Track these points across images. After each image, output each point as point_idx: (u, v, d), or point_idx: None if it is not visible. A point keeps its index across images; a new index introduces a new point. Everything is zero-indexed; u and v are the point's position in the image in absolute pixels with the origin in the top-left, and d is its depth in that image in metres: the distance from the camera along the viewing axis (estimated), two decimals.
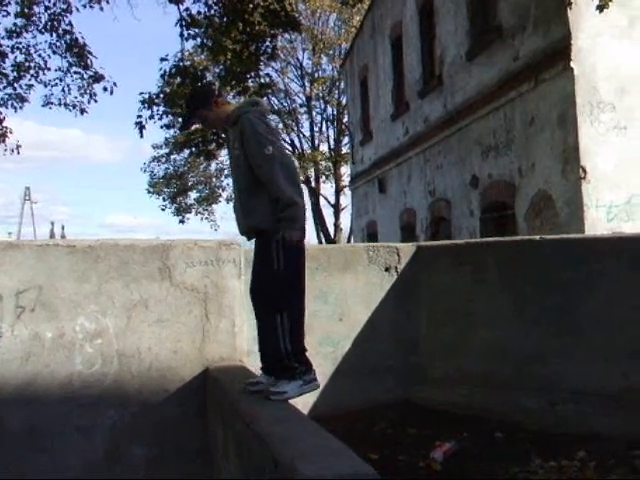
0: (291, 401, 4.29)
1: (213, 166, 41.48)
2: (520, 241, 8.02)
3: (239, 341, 5.65)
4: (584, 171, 10.13)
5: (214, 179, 43.22)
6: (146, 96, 17.03)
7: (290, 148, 40.53)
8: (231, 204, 39.68)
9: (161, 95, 17.56)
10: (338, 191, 39.08)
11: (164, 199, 42.64)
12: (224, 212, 44.27)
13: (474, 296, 7.49)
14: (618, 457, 5.91)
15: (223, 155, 37.93)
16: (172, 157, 41.06)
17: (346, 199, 35.68)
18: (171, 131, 27.89)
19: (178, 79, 16.89)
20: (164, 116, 17.80)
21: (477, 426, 6.86)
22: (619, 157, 10.30)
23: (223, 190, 42.94)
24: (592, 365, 6.73)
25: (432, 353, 7.74)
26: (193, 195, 43.29)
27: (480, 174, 13.74)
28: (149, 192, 42.67)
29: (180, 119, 4.73)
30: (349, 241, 32.66)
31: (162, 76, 16.94)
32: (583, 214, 10.05)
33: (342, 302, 7.46)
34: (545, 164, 11.13)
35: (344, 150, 37.54)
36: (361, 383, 7.52)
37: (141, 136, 16.82)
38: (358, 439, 6.49)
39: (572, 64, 10.36)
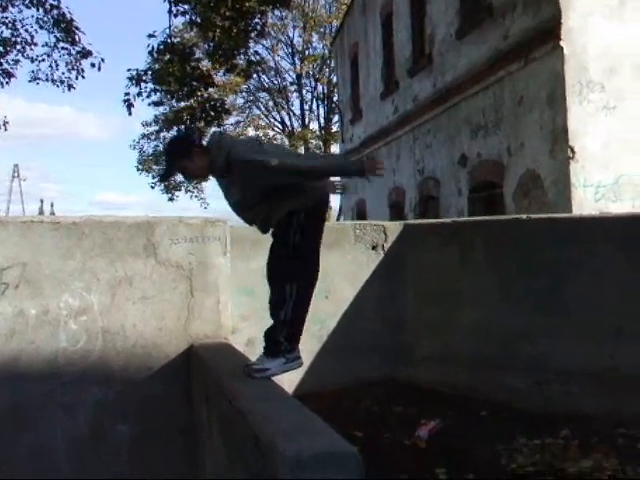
0: (277, 379, 4.28)
1: None
2: (507, 220, 8.02)
3: (224, 318, 5.62)
4: (572, 151, 10.11)
5: None
6: (134, 73, 16.91)
7: (280, 126, 40.47)
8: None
9: (149, 72, 17.43)
10: None
11: (153, 177, 42.52)
12: (213, 190, 44.23)
13: (461, 275, 7.49)
14: (601, 436, 5.95)
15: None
16: (162, 135, 40.90)
17: (336, 177, 35.61)
18: (160, 108, 27.78)
19: (167, 56, 16.78)
20: (153, 93, 17.71)
21: (463, 405, 6.88)
22: (607, 137, 10.28)
23: None
24: (578, 345, 6.74)
25: (418, 332, 7.75)
26: None
27: (469, 153, 13.72)
28: (138, 169, 42.58)
29: (161, 170, 4.65)
30: (339, 220, 32.64)
31: (150, 53, 16.81)
32: (571, 194, 10.04)
33: (329, 280, 7.43)
34: (534, 144, 11.12)
35: (334, 128, 37.47)
36: (347, 361, 7.53)
37: (129, 113, 16.75)
38: (343, 417, 6.50)
39: (562, 43, 10.31)
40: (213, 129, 16.33)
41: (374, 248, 7.73)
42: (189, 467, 5.30)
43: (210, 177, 4.62)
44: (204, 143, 4.43)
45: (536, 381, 6.85)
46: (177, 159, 4.44)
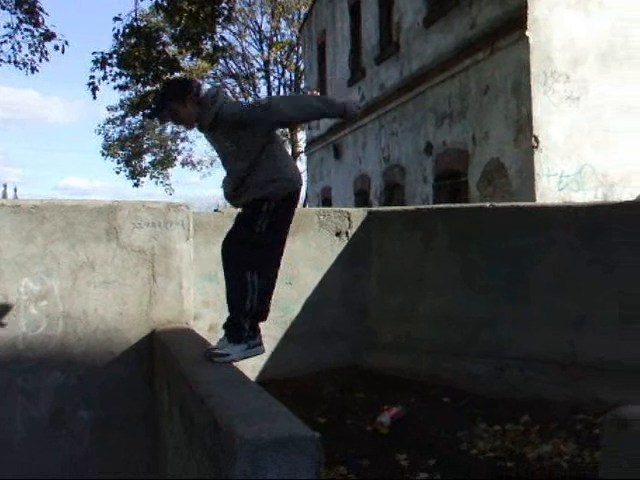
0: (240, 364, 4.27)
1: (168, 129, 41.09)
2: (471, 208, 8.07)
3: (186, 304, 5.59)
4: (536, 140, 10.19)
5: (169, 142, 42.84)
6: (99, 56, 16.75)
7: None
8: (186, 168, 39.08)
9: (115, 55, 17.26)
10: (295, 157, 38.94)
11: (119, 162, 42.16)
12: (179, 176, 44.00)
13: (424, 262, 7.53)
14: (561, 421, 6.02)
15: None
16: (127, 119, 40.56)
17: (302, 165, 35.61)
18: (126, 93, 27.51)
19: (132, 40, 16.63)
20: (118, 77, 17.54)
21: (424, 391, 6.93)
22: (571, 127, 10.38)
23: (178, 154, 42.65)
24: (539, 332, 6.81)
25: (381, 318, 7.78)
26: (148, 158, 42.89)
27: (434, 141, 13.76)
28: (103, 154, 42.15)
29: (151, 106, 4.59)
30: (305, 207, 32.63)
31: (115, 36, 16.67)
32: (534, 183, 10.12)
33: (292, 266, 7.43)
34: (498, 133, 11.18)
35: None
36: (310, 347, 7.54)
37: (94, 97, 16.61)
38: (306, 403, 6.53)
39: (528, 33, 10.37)
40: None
41: (338, 235, 7.73)
42: (151, 452, 5.28)
43: (195, 128, 4.55)
44: (202, 93, 4.38)
45: (497, 367, 6.91)
46: (171, 100, 4.35)
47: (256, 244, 4.24)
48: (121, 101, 38.40)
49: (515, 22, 10.59)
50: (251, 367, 7.16)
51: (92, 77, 16.53)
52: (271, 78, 39.44)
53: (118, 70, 17.31)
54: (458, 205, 8.78)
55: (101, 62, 16.67)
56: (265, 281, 4.30)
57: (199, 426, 3.04)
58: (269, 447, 2.24)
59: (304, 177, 29.21)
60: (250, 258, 4.24)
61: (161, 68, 17.12)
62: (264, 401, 2.83)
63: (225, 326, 4.36)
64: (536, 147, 10.17)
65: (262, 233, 4.23)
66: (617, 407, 2.26)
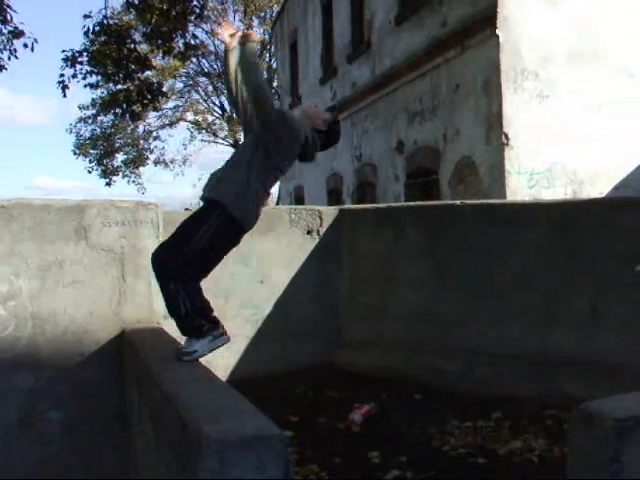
0: (211, 365, 4.25)
1: (141, 128, 40.90)
2: (441, 206, 8.10)
3: (156, 303, 5.54)
4: (507, 138, 10.24)
5: (142, 141, 42.59)
6: (69, 54, 16.62)
7: (219, 111, 40.16)
8: (159, 167, 38.78)
9: (85, 53, 17.12)
10: None
11: (90, 161, 41.85)
12: (152, 175, 43.77)
13: (395, 260, 7.55)
14: (531, 417, 6.06)
15: (150, 117, 37.36)
16: (99, 118, 40.25)
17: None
18: (98, 91, 27.28)
19: (102, 37, 16.52)
20: (89, 75, 17.42)
21: (396, 388, 6.94)
22: (541, 125, 10.44)
23: (151, 152, 42.41)
24: (509, 328, 6.86)
25: (353, 316, 7.79)
26: (120, 157, 42.59)
27: (406, 139, 13.80)
28: (75, 154, 41.79)
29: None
30: (277, 205, 32.58)
31: (86, 34, 16.54)
32: (505, 180, 10.18)
33: (263, 265, 7.43)
34: (469, 130, 11.23)
35: None
36: (282, 346, 7.53)
37: (64, 95, 16.49)
38: (278, 402, 6.52)
39: (498, 32, 10.42)
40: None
41: (309, 233, 7.73)
42: (121, 452, 5.25)
43: None
44: None
45: (468, 364, 6.94)
46: None
47: (186, 256, 4.15)
48: (93, 100, 38.08)
49: (485, 20, 10.64)
50: (223, 367, 7.15)
51: (62, 75, 16.41)
52: None
53: (89, 68, 17.19)
54: (429, 203, 8.80)
55: (71, 60, 16.54)
56: (189, 288, 4.24)
57: (167, 425, 3.03)
58: (236, 445, 2.24)
59: None
60: (174, 269, 4.17)
61: (132, 66, 17.03)
62: (232, 399, 2.82)
63: (181, 329, 4.34)
64: (506, 145, 10.22)
65: (199, 242, 4.14)
66: (584, 402, 2.27)
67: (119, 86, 18.51)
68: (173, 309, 4.25)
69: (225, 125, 40.30)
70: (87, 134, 41.62)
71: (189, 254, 4.14)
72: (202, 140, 42.86)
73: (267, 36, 36.19)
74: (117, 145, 42.40)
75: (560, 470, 2.27)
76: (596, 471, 2.12)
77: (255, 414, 2.54)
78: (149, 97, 17.63)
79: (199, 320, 4.23)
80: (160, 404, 3.20)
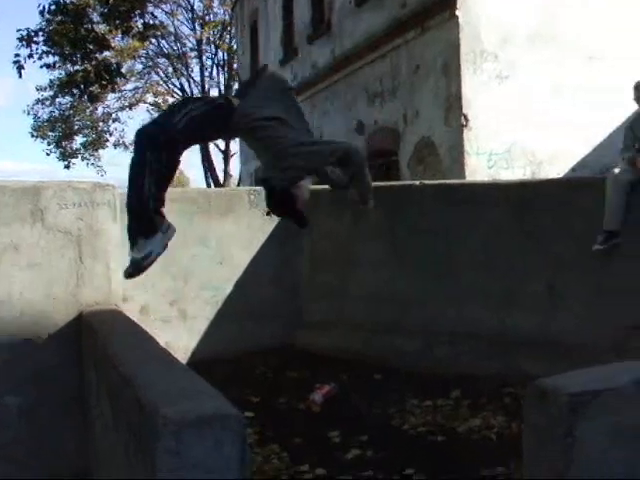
0: (172, 346, 4.22)
1: (100, 110, 40.39)
2: (400, 186, 8.11)
3: (114, 285, 5.49)
4: (466, 119, 10.29)
5: (101, 123, 42.09)
6: (24, 33, 16.36)
7: (180, 93, 39.77)
8: (118, 149, 38.31)
9: (41, 33, 16.88)
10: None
11: (49, 143, 41.30)
12: (111, 157, 43.37)
13: (354, 240, 7.56)
14: (490, 395, 6.12)
15: (109, 99, 36.95)
16: (57, 100, 39.68)
17: (236, 145, 35.33)
18: (56, 72, 26.88)
19: (59, 17, 16.28)
20: (45, 55, 17.18)
21: (356, 369, 6.96)
22: (500, 106, 10.49)
23: (110, 135, 41.93)
24: (469, 308, 6.91)
25: (313, 297, 7.79)
26: (79, 140, 42.06)
27: (366, 120, 13.80)
28: (33, 136, 41.19)
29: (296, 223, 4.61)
30: (238, 186, 32.44)
31: (41, 13, 16.29)
32: (464, 161, 10.24)
33: (223, 246, 7.40)
34: (429, 111, 11.26)
35: None
36: (242, 327, 7.51)
37: (20, 76, 16.28)
38: (239, 383, 6.52)
39: (457, 13, 10.45)
40: None
41: (269, 214, 7.65)
42: (81, 436, 5.20)
43: None
44: None
45: (427, 344, 6.99)
46: None
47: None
48: (50, 81, 37.51)
49: (445, 2, 10.68)
50: (183, 348, 7.12)
51: (17, 55, 16.17)
52: (204, 58, 39.00)
53: (45, 48, 16.95)
54: (388, 183, 8.79)
55: (27, 40, 16.31)
56: (162, 164, 4.20)
57: (125, 406, 3.00)
58: (193, 425, 2.22)
59: (237, 157, 29.08)
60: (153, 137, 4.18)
61: (90, 47, 16.82)
62: (190, 380, 2.80)
63: (133, 230, 4.35)
64: (465, 126, 10.27)
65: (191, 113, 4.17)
66: (539, 379, 2.29)
67: (77, 67, 18.29)
68: (135, 195, 4.27)
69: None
70: (45, 116, 41.03)
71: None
72: None
73: (227, 17, 35.93)
74: (76, 127, 41.86)
75: (518, 446, 2.30)
76: (550, 445, 2.14)
77: (213, 395, 2.52)
78: (107, 78, 17.43)
79: (152, 206, 4.21)
80: (118, 386, 3.17)
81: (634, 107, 6.75)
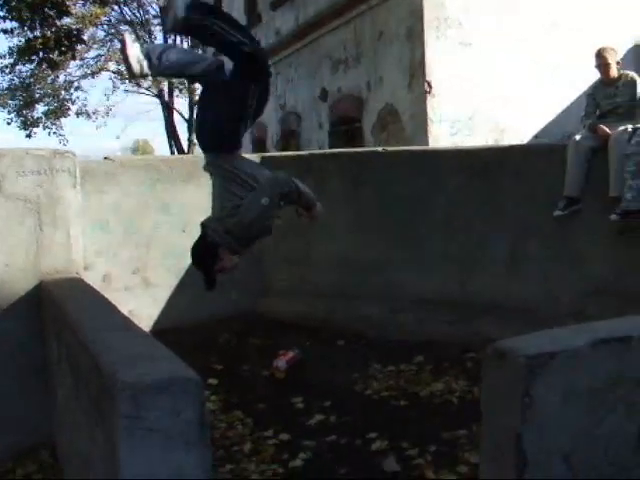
0: (135, 315, 4.18)
1: (61, 78, 39.70)
2: (363, 153, 8.09)
3: (75, 253, 5.44)
4: (429, 86, 10.27)
5: (63, 92, 41.38)
6: None
7: None
8: (81, 118, 37.73)
9: None
10: (192, 105, 38.20)
11: (9, 112, 40.55)
12: (74, 126, 42.81)
13: None
14: (452, 360, 6.19)
15: (71, 66, 36.36)
16: (17, 68, 38.92)
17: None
18: (15, 39, 26.36)
19: None
20: (2, 21, 16.86)
21: (319, 335, 7.00)
22: (464, 73, 10.47)
23: (72, 103, 41.25)
24: (431, 274, 6.95)
25: (276, 264, 7.79)
26: (41, 108, 41.32)
27: (330, 88, 13.73)
28: None
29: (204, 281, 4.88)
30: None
31: None
32: (427, 128, 10.22)
33: (185, 213, 7.35)
34: (392, 78, 11.22)
35: None
36: (205, 295, 7.45)
37: None
38: (202, 351, 6.53)
39: None
40: None
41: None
42: (44, 407, 5.17)
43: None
44: None
45: (391, 310, 7.03)
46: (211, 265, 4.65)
47: None
48: (10, 48, 36.83)
49: None
50: (147, 317, 7.10)
51: None
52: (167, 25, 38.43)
53: (2, 14, 16.63)
54: (351, 150, 8.78)
55: None
56: None
57: (84, 373, 2.99)
58: (151, 389, 2.22)
59: None
60: None
61: (49, 12, 16.52)
62: (148, 346, 2.79)
63: None
64: (429, 93, 10.25)
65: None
66: (497, 341, 2.31)
67: (36, 33, 17.97)
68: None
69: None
70: (5, 84, 40.16)
71: None
72: (125, 90, 41.86)
73: None
74: (37, 96, 41.06)
75: (479, 410, 2.32)
76: (508, 406, 2.17)
77: (171, 359, 2.52)
78: (67, 45, 17.16)
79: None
80: (77, 353, 3.15)
81: (595, 75, 6.78)
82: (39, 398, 5.21)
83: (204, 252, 4.62)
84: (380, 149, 7.68)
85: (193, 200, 7.39)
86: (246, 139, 19.05)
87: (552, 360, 2.14)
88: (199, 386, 2.27)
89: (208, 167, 4.83)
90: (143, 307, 7.10)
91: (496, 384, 2.25)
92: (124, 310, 4.06)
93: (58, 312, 4.27)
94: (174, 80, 37.70)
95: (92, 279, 5.74)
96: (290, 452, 4.79)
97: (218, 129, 4.66)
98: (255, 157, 8.00)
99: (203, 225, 4.76)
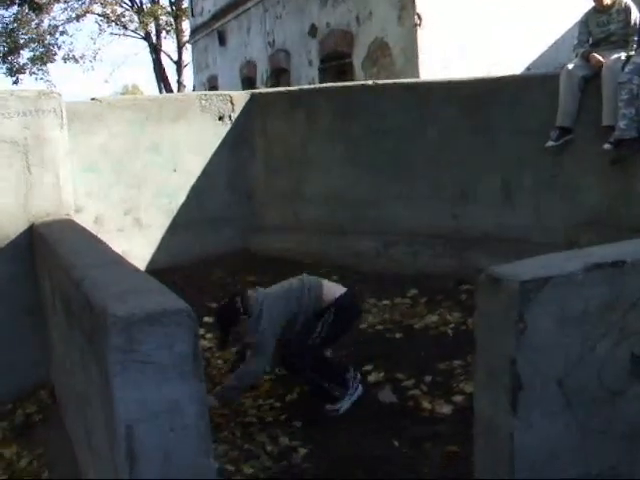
0: (129, 254, 4.18)
1: (46, 23, 39.08)
2: (353, 86, 7.98)
3: (65, 195, 5.40)
4: (419, 18, 10.11)
5: (48, 37, 40.79)
6: None
7: (129, 2, 38.61)
8: (69, 63, 37.23)
9: None
10: (180, 47, 37.64)
11: None
12: (62, 72, 42.23)
13: (309, 143, 7.50)
14: (446, 293, 6.21)
15: (55, 10, 35.79)
16: None
17: (189, 55, 34.49)
18: None
19: None
20: None
21: (313, 270, 6.96)
22: (454, 6, 10.30)
23: (58, 48, 40.70)
24: (424, 208, 6.93)
25: (268, 201, 7.77)
26: (26, 54, 40.78)
27: (319, 23, 13.52)
28: None
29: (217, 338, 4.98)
30: None
31: None
32: (418, 61, 10.09)
33: (175, 153, 7.30)
34: (382, 12, 11.04)
35: (185, 4, 35.99)
36: (198, 234, 7.48)
37: None
38: (196, 289, 6.53)
39: None
40: None
41: (221, 118, 7.58)
42: (39, 347, 5.18)
43: None
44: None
45: (384, 244, 7.02)
46: (230, 326, 4.64)
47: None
48: None
49: None
50: (140, 257, 7.08)
51: None
52: None
53: None
54: (341, 84, 8.65)
55: None
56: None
57: (76, 310, 2.98)
58: (142, 321, 2.21)
59: (190, 67, 28.42)
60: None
61: None
62: (139, 280, 2.78)
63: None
64: (419, 25, 10.10)
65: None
66: (490, 267, 2.30)
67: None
68: (314, 390, 4.72)
69: (135, 17, 38.79)
70: None
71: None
72: (112, 34, 41.20)
73: None
74: (21, 41, 40.46)
75: (474, 340, 2.32)
76: (502, 331, 2.16)
77: (162, 292, 2.51)
78: None
79: (334, 389, 4.66)
80: (69, 290, 3.14)
81: (589, 2, 6.66)
82: (36, 340, 5.23)
83: (227, 315, 4.67)
84: (370, 82, 7.59)
85: (183, 139, 7.35)
86: (235, 77, 18.91)
87: (546, 285, 2.13)
88: (192, 317, 2.26)
89: None
90: (136, 248, 7.08)
91: (490, 310, 2.25)
92: (117, 252, 4.05)
93: (49, 252, 4.25)
94: (161, 21, 37.20)
95: (84, 221, 5.71)
96: (286, 387, 4.83)
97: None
98: (245, 94, 7.93)
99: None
